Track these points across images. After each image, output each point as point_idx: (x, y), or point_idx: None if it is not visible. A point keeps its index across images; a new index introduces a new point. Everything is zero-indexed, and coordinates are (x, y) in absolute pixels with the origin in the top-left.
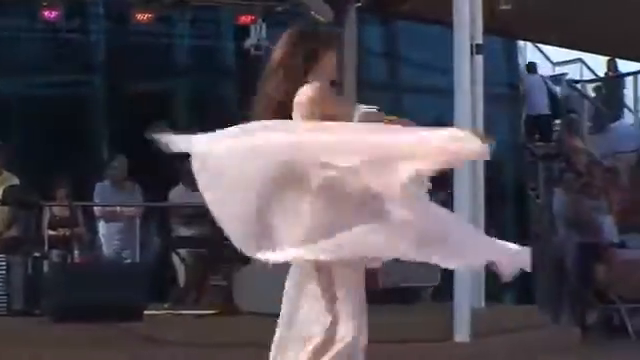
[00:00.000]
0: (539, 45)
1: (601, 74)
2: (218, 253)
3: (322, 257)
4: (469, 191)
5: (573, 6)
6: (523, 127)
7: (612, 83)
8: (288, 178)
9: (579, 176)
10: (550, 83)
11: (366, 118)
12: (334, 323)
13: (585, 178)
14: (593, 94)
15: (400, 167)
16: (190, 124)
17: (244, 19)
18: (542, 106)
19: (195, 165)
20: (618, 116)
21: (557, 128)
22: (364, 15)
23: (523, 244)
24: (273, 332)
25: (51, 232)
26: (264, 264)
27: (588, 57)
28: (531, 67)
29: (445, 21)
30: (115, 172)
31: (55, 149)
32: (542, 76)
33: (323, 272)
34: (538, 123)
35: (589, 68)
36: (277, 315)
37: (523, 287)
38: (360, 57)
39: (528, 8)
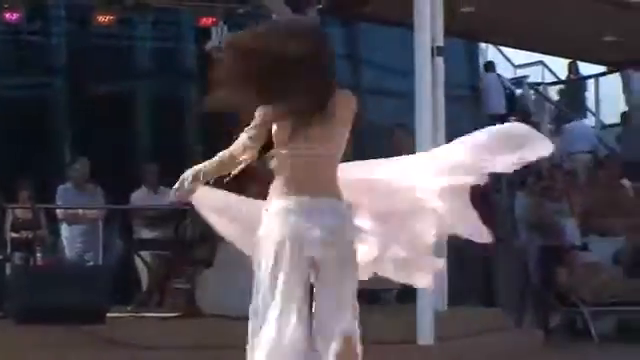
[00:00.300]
0: (500, 47)
1: (562, 77)
2: (181, 255)
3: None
4: None
5: (533, 9)
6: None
7: (574, 86)
8: None
9: (540, 179)
10: (507, 82)
11: None
12: None
13: (546, 181)
14: (557, 97)
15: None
16: (151, 126)
17: (205, 21)
18: (499, 106)
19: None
20: (579, 118)
21: None
22: (325, 17)
23: (484, 246)
24: (234, 334)
25: (13, 234)
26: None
27: (549, 60)
28: (489, 66)
29: (406, 23)
30: (77, 174)
31: (17, 151)
32: (499, 75)
33: None
34: (494, 123)
35: (550, 71)
36: (237, 317)
37: (486, 290)
38: None
39: (489, 10)
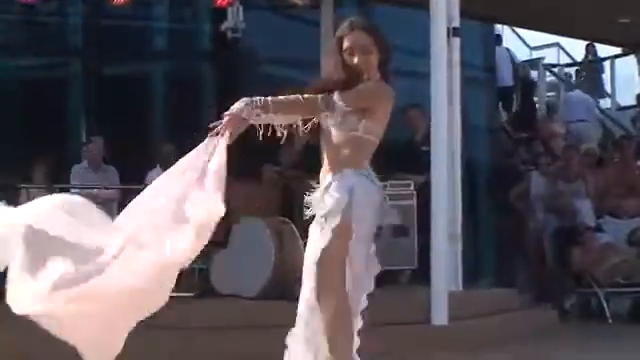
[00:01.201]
0: (516, 29)
1: (578, 59)
2: None
3: None
4: (447, 175)
5: None
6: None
7: (590, 67)
8: None
9: (554, 160)
10: (512, 52)
11: None
12: None
13: (561, 162)
14: (574, 78)
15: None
16: (168, 106)
17: (221, 2)
18: (507, 78)
19: None
20: (596, 99)
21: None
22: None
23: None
24: (248, 313)
25: None
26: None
27: (565, 41)
28: (497, 39)
29: (422, 4)
30: (92, 154)
31: (32, 131)
32: (507, 49)
33: None
34: (503, 94)
35: (566, 52)
36: (251, 297)
37: (502, 270)
38: None
39: None
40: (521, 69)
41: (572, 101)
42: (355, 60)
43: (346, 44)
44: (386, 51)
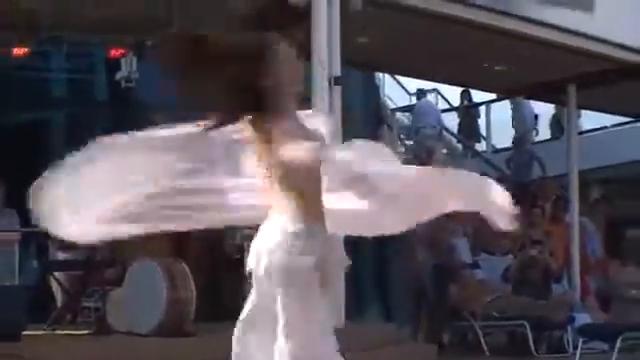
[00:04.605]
0: (396, 76)
1: (455, 104)
2: (93, 275)
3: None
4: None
5: (427, 41)
6: None
7: (467, 112)
8: None
9: None
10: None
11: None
12: None
13: None
14: (456, 122)
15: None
16: (65, 152)
17: (115, 53)
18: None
19: None
20: (473, 143)
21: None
22: None
23: (381, 264)
24: (143, 349)
25: None
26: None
27: (443, 87)
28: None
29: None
30: None
31: None
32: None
33: None
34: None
35: (444, 98)
36: (146, 334)
37: (383, 305)
38: None
39: (383, 41)
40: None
41: (421, 109)
42: None
43: None
44: None
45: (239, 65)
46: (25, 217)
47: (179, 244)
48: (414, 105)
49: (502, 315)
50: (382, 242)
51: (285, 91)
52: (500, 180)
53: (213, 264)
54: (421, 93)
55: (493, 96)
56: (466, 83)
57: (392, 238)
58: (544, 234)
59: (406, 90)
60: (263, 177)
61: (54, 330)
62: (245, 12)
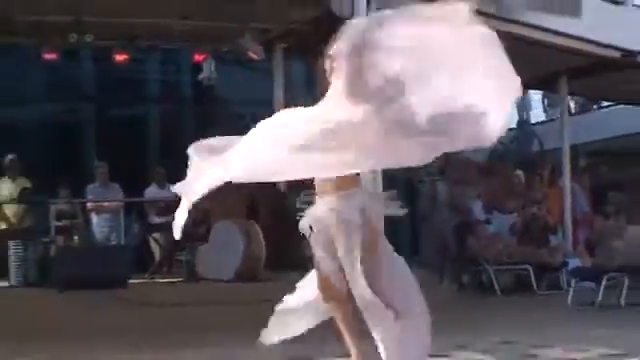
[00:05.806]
0: None
1: None
2: (184, 234)
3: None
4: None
5: None
6: None
7: None
8: None
9: (455, 170)
10: None
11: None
12: None
13: (460, 171)
14: None
15: None
16: (159, 138)
17: (198, 57)
18: None
19: None
20: None
21: None
22: (290, 54)
23: (414, 224)
24: (224, 291)
25: (57, 223)
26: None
27: None
28: None
29: None
30: (101, 175)
31: (57, 160)
32: None
33: None
34: None
35: None
36: (228, 280)
37: (416, 256)
38: (288, 90)
39: None
40: None
41: None
42: None
43: None
44: None
45: None
46: (127, 189)
47: (252, 208)
48: None
49: (510, 261)
50: (415, 206)
51: None
52: (507, 153)
53: (279, 224)
54: None
55: None
56: None
57: (423, 204)
58: (542, 196)
59: None
60: None
61: (153, 279)
62: None
